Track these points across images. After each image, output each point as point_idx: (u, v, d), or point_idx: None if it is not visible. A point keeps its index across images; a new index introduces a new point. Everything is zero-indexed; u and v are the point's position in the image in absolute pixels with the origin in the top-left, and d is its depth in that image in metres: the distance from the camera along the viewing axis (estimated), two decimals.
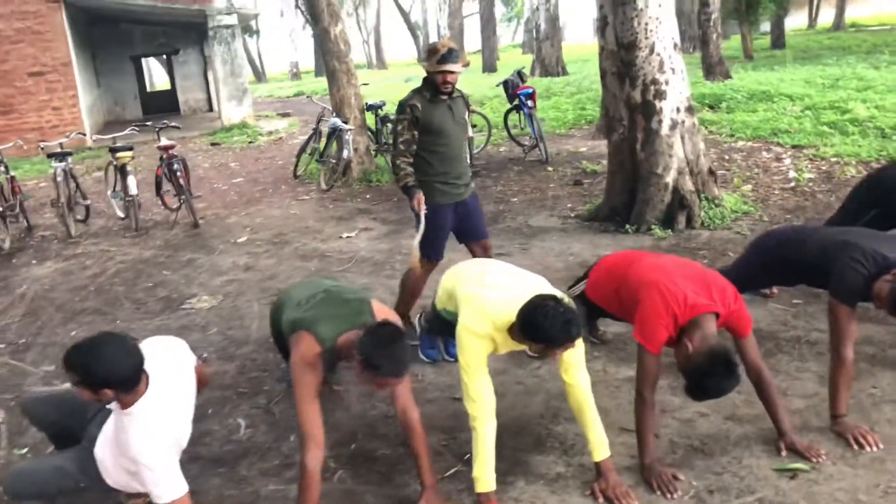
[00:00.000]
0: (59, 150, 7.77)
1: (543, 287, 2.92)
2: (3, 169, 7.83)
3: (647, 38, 5.91)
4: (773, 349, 3.82)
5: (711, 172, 6.32)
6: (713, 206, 6.17)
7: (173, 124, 8.63)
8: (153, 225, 8.07)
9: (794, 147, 8.66)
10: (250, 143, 14.39)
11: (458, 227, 4.36)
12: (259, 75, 47.53)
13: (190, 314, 5.22)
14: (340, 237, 6.89)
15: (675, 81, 6.02)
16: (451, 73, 3.98)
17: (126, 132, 8.56)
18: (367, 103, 9.59)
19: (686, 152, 6.15)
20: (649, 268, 3.06)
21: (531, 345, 2.67)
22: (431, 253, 4.28)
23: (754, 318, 4.15)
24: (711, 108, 12.19)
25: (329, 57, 9.21)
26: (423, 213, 4.08)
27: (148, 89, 28.91)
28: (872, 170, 4.44)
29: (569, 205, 7.24)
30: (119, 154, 7.48)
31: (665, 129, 6.04)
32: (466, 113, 4.35)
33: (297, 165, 10.02)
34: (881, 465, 2.81)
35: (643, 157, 6.14)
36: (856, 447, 2.91)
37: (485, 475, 2.71)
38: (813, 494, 2.69)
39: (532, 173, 8.94)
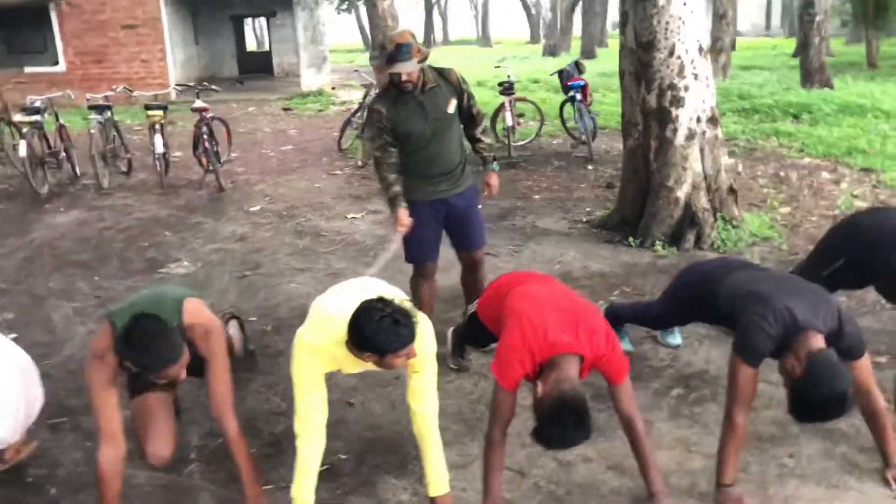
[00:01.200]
0: (101, 102, 8.02)
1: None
2: (49, 117, 8.19)
3: (666, 38, 5.46)
4: (708, 396, 3.47)
5: (732, 190, 5.82)
6: (730, 227, 5.69)
7: (213, 87, 8.78)
8: (186, 184, 8.27)
9: (862, 170, 7.92)
10: (320, 111, 14.56)
11: (448, 230, 3.90)
12: (367, 42, 48.13)
13: (164, 279, 5.29)
14: (346, 217, 6.82)
15: (697, 88, 5.56)
16: (405, 74, 3.45)
17: (168, 90, 8.76)
18: None
19: (705, 166, 5.69)
20: (522, 295, 2.79)
21: (366, 357, 2.47)
22: (413, 256, 3.88)
23: (708, 358, 3.86)
24: (795, 118, 11.35)
25: (376, 32, 9.14)
26: (400, 232, 3.70)
27: (253, 50, 29.85)
28: (848, 215, 3.86)
29: (587, 208, 6.87)
30: (150, 112, 7.67)
31: (680, 140, 5.60)
32: (454, 101, 3.65)
33: (341, 138, 10.01)
34: None
35: (655, 167, 5.72)
36: None
37: (301, 495, 2.56)
38: None
39: (570, 170, 8.57)
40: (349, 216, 6.83)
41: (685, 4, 5.41)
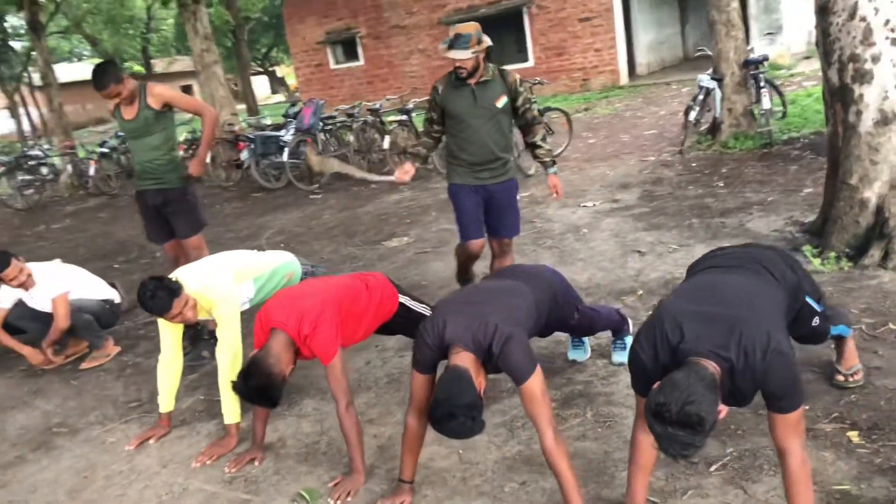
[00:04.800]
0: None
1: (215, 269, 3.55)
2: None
3: None
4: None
5: None
6: None
7: (538, 80, 9.51)
8: None
9: None
10: None
11: (485, 217, 4.29)
12: None
13: (375, 250, 6.56)
14: (579, 205, 7.00)
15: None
16: (458, 60, 3.86)
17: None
18: (746, 59, 8.49)
19: None
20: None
21: None
22: (460, 233, 4.33)
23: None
24: None
25: (709, 7, 8.55)
26: (398, 179, 4.29)
27: None
28: None
29: None
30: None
31: (866, 125, 4.35)
32: (504, 97, 4.01)
33: (686, 122, 9.62)
34: None
35: (841, 160, 4.55)
36: None
37: (162, 402, 3.60)
38: None
39: None
40: (583, 204, 7.00)
41: None
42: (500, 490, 2.77)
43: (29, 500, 3.21)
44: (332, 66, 20.52)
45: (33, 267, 4.44)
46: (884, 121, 4.32)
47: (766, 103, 8.03)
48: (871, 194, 4.41)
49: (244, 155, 10.41)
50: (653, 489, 2.58)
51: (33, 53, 29.89)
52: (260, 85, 44.74)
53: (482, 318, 2.55)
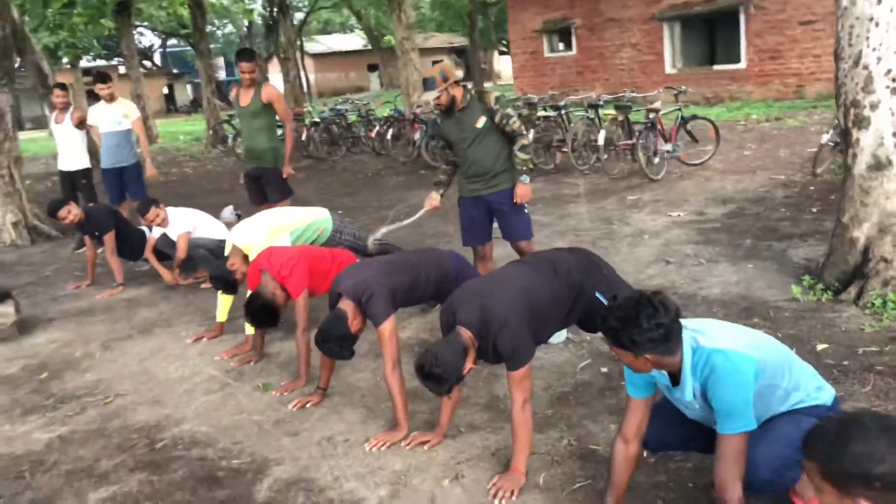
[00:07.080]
0: (595, 101, 10.18)
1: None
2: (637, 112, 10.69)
3: (850, 45, 4.44)
4: None
5: None
6: None
7: (683, 89, 9.66)
8: (629, 173, 9.60)
9: None
10: None
11: (498, 224, 4.84)
12: None
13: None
14: (667, 214, 7.38)
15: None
16: (432, 101, 4.57)
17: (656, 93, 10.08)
18: None
19: None
20: None
21: None
22: (463, 240, 4.95)
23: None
24: None
25: None
26: (421, 212, 4.98)
27: None
28: None
29: None
30: (607, 112, 9.40)
31: (861, 168, 4.49)
32: (483, 118, 4.50)
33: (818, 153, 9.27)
34: None
35: (839, 198, 4.71)
36: None
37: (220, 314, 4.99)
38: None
39: None
40: (670, 213, 7.37)
41: (880, 3, 4.34)
42: (377, 406, 3.76)
43: (117, 360, 4.78)
44: (546, 53, 21.34)
45: (170, 211, 6.10)
46: (877, 166, 4.44)
47: None
48: (861, 234, 4.56)
49: (417, 135, 11.82)
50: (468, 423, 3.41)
51: (307, 24, 34.02)
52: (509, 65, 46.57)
53: (363, 278, 3.53)
